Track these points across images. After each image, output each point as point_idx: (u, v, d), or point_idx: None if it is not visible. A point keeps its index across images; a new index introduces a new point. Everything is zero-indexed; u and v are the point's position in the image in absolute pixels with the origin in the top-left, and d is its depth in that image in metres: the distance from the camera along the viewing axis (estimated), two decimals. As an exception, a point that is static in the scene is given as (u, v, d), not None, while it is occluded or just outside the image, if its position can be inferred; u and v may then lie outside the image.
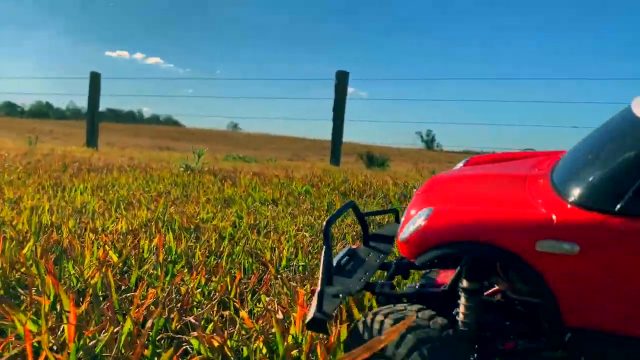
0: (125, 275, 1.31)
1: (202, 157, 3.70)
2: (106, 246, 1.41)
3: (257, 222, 1.92)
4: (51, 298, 0.97)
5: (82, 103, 10.80)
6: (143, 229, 1.77)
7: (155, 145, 20.59)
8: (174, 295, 1.10)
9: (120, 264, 1.34)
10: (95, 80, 10.63)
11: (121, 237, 1.61)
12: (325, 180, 3.35)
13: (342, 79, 8.83)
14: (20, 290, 1.11)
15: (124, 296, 1.10)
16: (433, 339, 0.89)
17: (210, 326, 1.01)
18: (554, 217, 0.90)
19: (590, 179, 0.93)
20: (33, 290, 1.02)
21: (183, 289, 1.12)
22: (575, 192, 0.93)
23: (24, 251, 1.30)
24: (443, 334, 0.91)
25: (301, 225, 1.87)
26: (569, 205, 0.91)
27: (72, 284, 1.17)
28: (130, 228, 1.74)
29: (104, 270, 1.16)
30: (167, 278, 1.24)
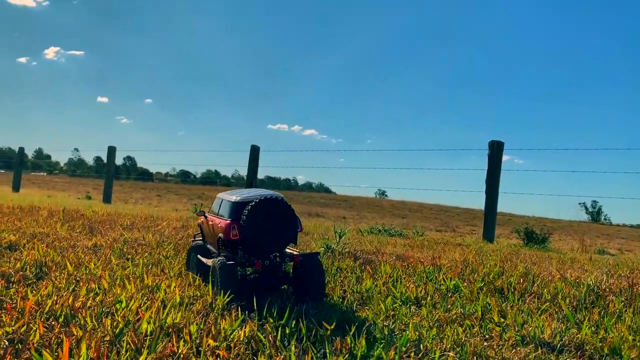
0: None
1: (345, 236, 3.54)
2: (219, 366, 1.25)
3: (395, 332, 1.62)
4: None
5: (245, 172, 11.65)
6: (269, 337, 1.60)
7: (307, 212, 21.30)
8: None
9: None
10: (254, 152, 11.40)
11: (242, 346, 1.45)
12: (478, 268, 2.95)
13: (496, 149, 8.30)
14: None
15: None
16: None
17: None
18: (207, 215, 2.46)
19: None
20: None
21: None
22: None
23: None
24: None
25: (449, 344, 1.53)
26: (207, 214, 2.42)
27: None
28: (253, 333, 1.57)
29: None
30: None
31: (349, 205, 30.59)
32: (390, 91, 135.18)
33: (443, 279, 2.56)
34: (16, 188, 16.20)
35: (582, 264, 4.30)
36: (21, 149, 18.62)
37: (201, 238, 2.50)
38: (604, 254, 9.79)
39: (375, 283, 2.37)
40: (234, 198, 2.12)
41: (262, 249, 2.04)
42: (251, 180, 11.23)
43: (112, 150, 14.22)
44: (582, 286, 2.48)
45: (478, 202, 8.25)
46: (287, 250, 2.21)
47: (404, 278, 2.56)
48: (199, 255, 2.35)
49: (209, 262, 2.15)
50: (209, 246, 2.39)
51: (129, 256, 2.91)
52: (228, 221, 2.07)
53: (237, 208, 2.06)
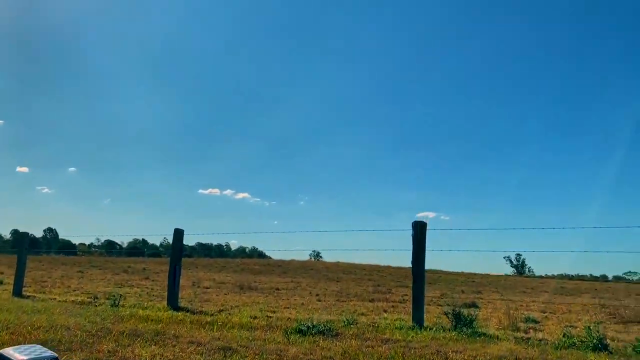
0: None
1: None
2: None
3: None
4: None
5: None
6: None
7: (239, 283, 20.63)
8: None
9: None
10: (178, 235, 10.93)
11: None
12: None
13: (419, 230, 8.41)
14: None
15: None
16: None
17: None
18: None
19: None
20: None
21: None
22: None
23: None
24: None
25: None
26: None
27: None
28: None
29: None
30: None
31: (283, 270, 30.12)
32: (322, 152, 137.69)
33: None
34: None
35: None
36: None
37: None
38: (529, 321, 10.02)
39: None
40: (17, 356, 2.73)
41: None
42: (174, 265, 10.71)
43: (24, 236, 13.27)
44: None
45: (409, 256, 8.48)
46: None
47: None
48: None
49: None
50: None
51: None
52: None
53: None
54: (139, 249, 40.26)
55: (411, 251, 8.37)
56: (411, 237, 8.48)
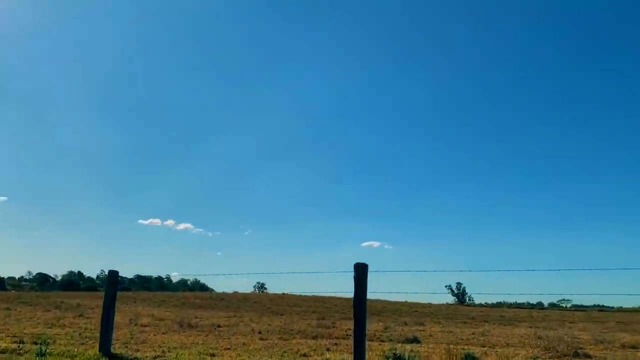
0: None
1: None
2: None
3: None
4: None
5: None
6: None
7: (178, 320, 19.93)
8: None
9: None
10: (113, 276, 10.42)
11: None
12: None
13: (361, 271, 8.43)
14: None
15: None
16: None
17: None
18: None
19: None
20: None
21: None
22: None
23: None
24: None
25: None
26: None
27: None
28: None
29: None
30: None
31: (225, 304, 29.37)
32: (267, 182, 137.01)
33: None
34: None
35: None
36: None
37: None
38: (469, 359, 10.15)
39: None
40: None
41: None
42: (108, 308, 10.19)
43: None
44: None
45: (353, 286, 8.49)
46: None
47: None
48: None
49: None
50: None
51: None
52: None
53: None
54: (74, 282, 38.04)
55: (353, 293, 8.37)
56: (353, 279, 8.49)
